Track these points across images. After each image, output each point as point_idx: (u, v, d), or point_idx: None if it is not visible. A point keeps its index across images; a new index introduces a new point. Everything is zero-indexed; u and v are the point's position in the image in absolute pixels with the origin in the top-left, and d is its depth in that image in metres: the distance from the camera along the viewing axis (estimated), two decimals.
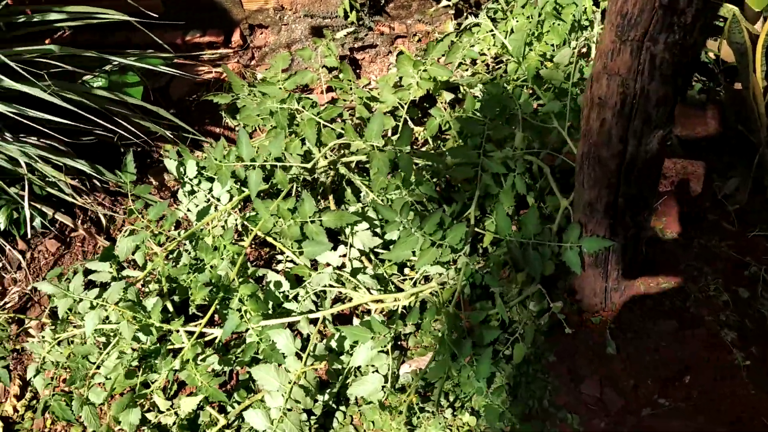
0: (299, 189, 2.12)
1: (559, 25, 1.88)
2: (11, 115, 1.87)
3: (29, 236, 2.34)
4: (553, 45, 1.93)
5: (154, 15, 2.35)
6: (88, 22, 2.14)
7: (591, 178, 1.63)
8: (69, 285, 1.81)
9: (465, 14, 2.71)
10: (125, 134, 2.16)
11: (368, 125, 1.81)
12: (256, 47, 2.92)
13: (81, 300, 1.79)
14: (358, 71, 2.83)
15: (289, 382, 1.71)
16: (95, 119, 2.09)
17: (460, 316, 1.85)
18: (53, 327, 1.91)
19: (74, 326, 1.92)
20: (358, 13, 2.76)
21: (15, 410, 2.03)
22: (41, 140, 2.04)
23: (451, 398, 1.96)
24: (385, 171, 1.86)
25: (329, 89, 2.66)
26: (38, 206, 2.31)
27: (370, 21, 2.80)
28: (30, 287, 2.28)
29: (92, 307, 1.75)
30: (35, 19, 2.06)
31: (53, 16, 2.07)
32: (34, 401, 2.07)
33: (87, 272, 2.19)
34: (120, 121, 2.17)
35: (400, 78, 2.34)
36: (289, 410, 1.67)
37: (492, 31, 2.09)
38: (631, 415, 1.91)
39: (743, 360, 1.92)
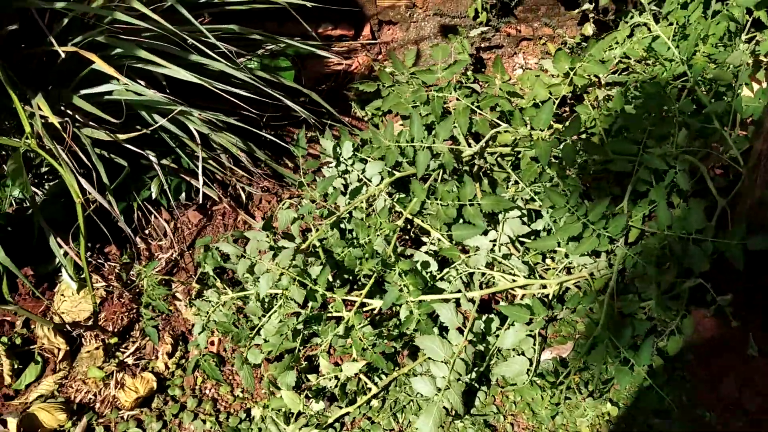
0: (446, 176, 2.19)
1: (731, 27, 1.94)
2: (206, 86, 1.98)
3: (174, 207, 2.45)
4: (719, 45, 1.98)
5: (308, 4, 2.46)
6: (253, 6, 2.26)
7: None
8: (245, 248, 1.91)
9: (590, 19, 2.77)
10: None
11: (538, 114, 1.88)
12: (384, 42, 3.02)
13: (255, 263, 1.89)
14: (483, 70, 2.91)
15: (452, 354, 1.78)
16: (256, 98, 2.20)
17: (613, 305, 1.89)
18: (217, 289, 2.01)
19: (240, 289, 2.01)
20: (487, 14, 2.84)
21: (166, 367, 2.13)
22: (211, 115, 2.15)
23: (591, 387, 2.00)
24: (546, 160, 1.92)
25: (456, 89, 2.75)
26: (187, 178, 2.42)
27: (499, 22, 2.88)
28: (177, 253, 2.38)
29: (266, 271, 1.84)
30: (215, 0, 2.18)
31: None
32: (184, 360, 2.17)
33: (236, 241, 2.30)
34: (270, 102, 2.28)
35: (537, 76, 2.41)
36: (457, 380, 1.73)
37: (651, 31, 2.14)
38: None
39: None
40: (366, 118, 2.79)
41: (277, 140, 2.37)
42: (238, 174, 2.50)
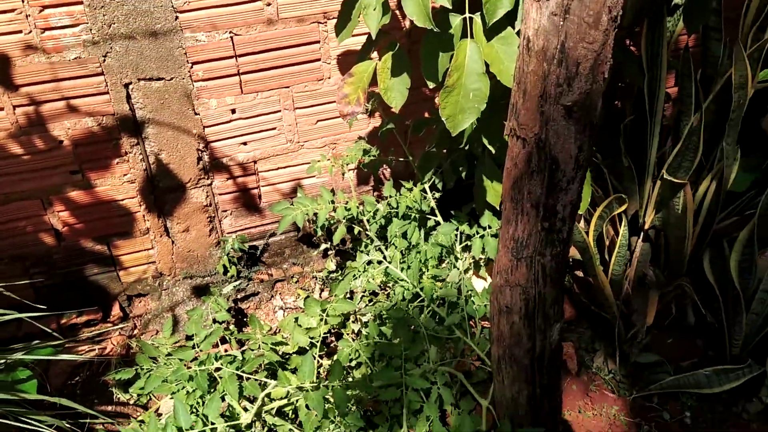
0: None
1: (442, 250, 2.23)
2: None
3: None
4: (440, 266, 2.25)
5: (38, 305, 2.34)
6: None
7: (510, 375, 1.85)
8: None
9: (333, 252, 3.01)
10: None
11: (300, 368, 1.92)
12: (136, 316, 2.94)
13: None
14: (244, 319, 2.94)
15: None
16: None
17: None
18: None
19: None
20: (236, 267, 2.94)
21: None
22: None
23: None
24: (321, 409, 1.94)
25: (221, 342, 2.73)
26: None
27: (249, 272, 2.99)
28: None
29: None
30: None
31: None
32: None
33: None
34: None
35: (296, 319, 2.50)
36: None
37: (381, 263, 2.37)
38: None
39: None
40: (131, 402, 2.61)
41: None
42: None
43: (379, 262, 2.43)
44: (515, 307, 1.71)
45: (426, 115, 2.82)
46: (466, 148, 2.38)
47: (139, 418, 2.43)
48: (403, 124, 2.72)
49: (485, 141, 2.18)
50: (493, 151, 2.21)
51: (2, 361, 2.21)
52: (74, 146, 2.48)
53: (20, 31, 2.22)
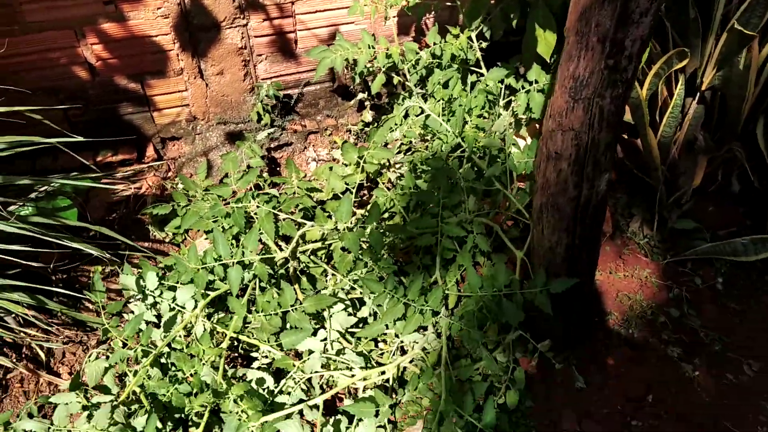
0: (263, 285, 2.13)
1: (489, 97, 2.14)
2: None
3: None
4: (484, 117, 2.18)
5: (73, 136, 2.32)
6: (19, 150, 2.08)
7: (551, 224, 1.83)
8: (52, 419, 1.68)
9: (368, 104, 2.93)
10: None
11: (338, 207, 1.91)
12: (170, 159, 2.93)
13: None
14: (278, 169, 2.93)
15: None
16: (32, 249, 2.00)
17: (450, 374, 1.93)
18: None
19: None
20: (270, 116, 2.88)
21: None
22: None
23: None
24: (356, 249, 1.95)
25: (255, 189, 2.73)
26: None
27: (283, 121, 2.94)
28: None
29: None
30: None
31: None
32: None
33: (41, 411, 2.04)
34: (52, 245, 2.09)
35: (330, 168, 2.47)
36: None
37: (423, 112, 2.30)
38: None
39: (693, 371, 2.16)
40: (167, 239, 2.66)
41: (67, 291, 2.16)
42: (31, 333, 2.24)
43: (419, 114, 2.35)
44: (565, 153, 1.65)
45: None
46: None
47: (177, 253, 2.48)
48: None
49: None
50: None
51: (43, 188, 2.23)
52: None
53: None
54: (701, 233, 2.41)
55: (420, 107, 2.33)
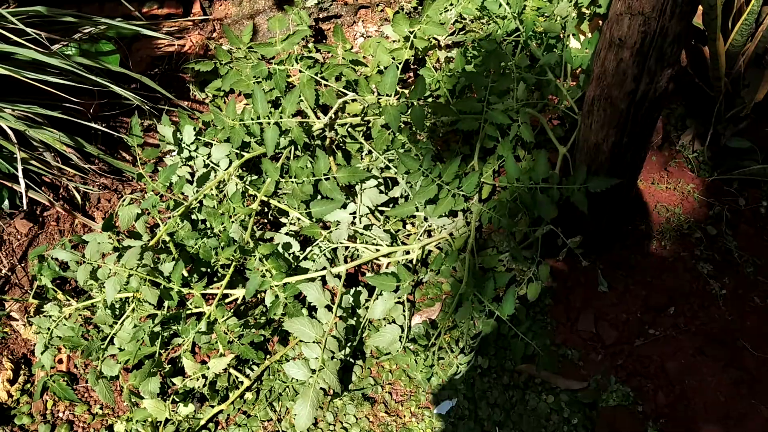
0: (298, 152, 2.11)
1: None
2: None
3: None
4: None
5: None
6: None
7: (601, 119, 1.75)
8: (85, 252, 1.73)
9: None
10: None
11: (383, 79, 1.85)
12: (217, 19, 2.86)
13: (98, 268, 1.71)
14: (324, 41, 2.85)
15: (323, 334, 1.73)
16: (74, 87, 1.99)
17: (474, 261, 1.93)
18: (58, 302, 1.81)
19: (86, 298, 1.83)
20: None
21: (9, 395, 1.90)
22: (26, 109, 1.92)
23: (461, 344, 2.03)
24: (397, 124, 1.90)
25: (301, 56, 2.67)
26: (8, 184, 2.16)
27: None
28: (7, 269, 2.13)
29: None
30: None
31: None
32: (29, 385, 1.95)
33: (75, 247, 2.10)
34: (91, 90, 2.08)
35: (378, 42, 2.38)
36: (331, 358, 1.68)
37: None
38: (625, 345, 2.07)
39: (720, 289, 2.12)
40: (207, 100, 2.64)
41: (109, 131, 2.17)
42: (69, 173, 2.28)
43: None
44: (629, 40, 1.55)
45: None
46: None
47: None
48: None
49: None
50: None
51: (87, 29, 2.20)
52: None
53: None
54: (753, 154, 2.30)
55: None
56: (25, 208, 2.16)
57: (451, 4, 2.29)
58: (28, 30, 1.81)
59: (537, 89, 2.06)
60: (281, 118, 1.88)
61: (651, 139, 1.85)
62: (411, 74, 2.50)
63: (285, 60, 2.06)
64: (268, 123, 1.87)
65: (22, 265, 2.17)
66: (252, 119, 1.92)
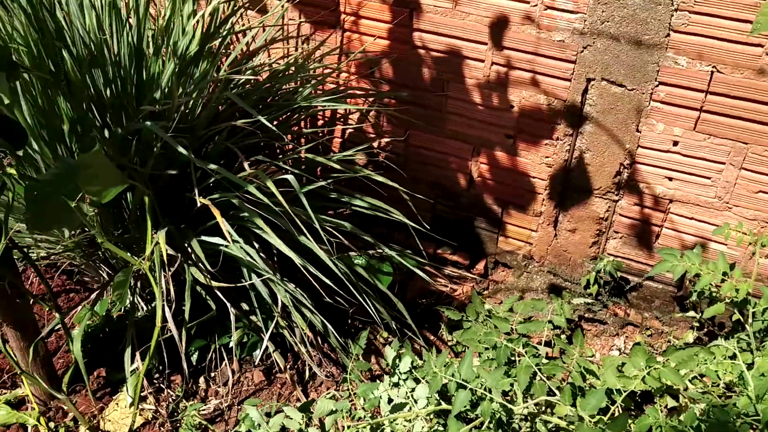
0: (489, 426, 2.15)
1: None
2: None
3: (245, 361, 2.62)
4: None
5: (426, 227, 2.70)
6: (376, 214, 2.53)
7: None
8: (270, 420, 1.99)
9: (705, 329, 2.71)
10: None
11: (586, 397, 1.84)
12: (493, 281, 3.14)
13: None
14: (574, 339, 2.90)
15: None
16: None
17: None
18: None
19: None
20: (599, 288, 2.88)
21: None
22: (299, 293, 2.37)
23: None
24: None
25: (547, 344, 2.75)
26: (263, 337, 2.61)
27: (608, 300, 2.90)
28: (227, 404, 2.51)
29: None
30: (343, 199, 2.50)
31: (356, 201, 2.49)
32: None
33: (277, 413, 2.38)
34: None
35: (622, 364, 2.35)
36: None
37: (734, 357, 2.07)
38: None
39: None
40: (451, 344, 2.85)
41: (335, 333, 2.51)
42: (310, 352, 2.65)
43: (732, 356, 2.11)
44: None
45: None
46: None
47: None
48: None
49: None
50: None
51: (380, 251, 2.64)
52: (519, 114, 2.71)
53: (528, 2, 2.48)
54: None
55: (735, 352, 2.09)
56: (265, 363, 2.57)
57: (707, 359, 2.19)
58: (333, 237, 2.29)
59: None
60: (481, 386, 1.97)
61: None
62: (638, 398, 2.38)
63: (515, 340, 2.18)
64: (467, 387, 1.97)
65: (239, 407, 2.53)
66: (451, 376, 2.05)
